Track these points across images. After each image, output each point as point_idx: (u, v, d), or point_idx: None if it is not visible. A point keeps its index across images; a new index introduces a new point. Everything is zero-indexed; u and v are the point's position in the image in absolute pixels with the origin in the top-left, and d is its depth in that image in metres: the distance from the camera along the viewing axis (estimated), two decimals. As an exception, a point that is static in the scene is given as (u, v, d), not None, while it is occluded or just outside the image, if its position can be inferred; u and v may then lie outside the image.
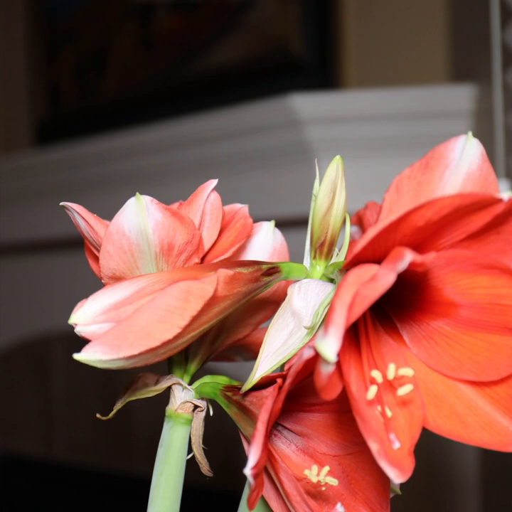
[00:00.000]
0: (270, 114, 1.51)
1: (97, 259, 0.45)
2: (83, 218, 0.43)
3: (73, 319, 0.38)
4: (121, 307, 0.38)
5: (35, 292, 2.07)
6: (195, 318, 0.36)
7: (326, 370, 0.33)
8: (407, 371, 0.37)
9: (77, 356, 0.36)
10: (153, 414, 1.85)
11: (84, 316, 0.38)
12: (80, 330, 0.38)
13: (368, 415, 0.35)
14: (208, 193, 0.43)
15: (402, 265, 0.34)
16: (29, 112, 2.33)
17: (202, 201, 0.42)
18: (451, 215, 0.34)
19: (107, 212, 0.44)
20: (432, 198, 0.34)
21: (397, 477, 0.34)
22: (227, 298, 0.39)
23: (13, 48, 2.37)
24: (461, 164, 0.37)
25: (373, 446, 0.34)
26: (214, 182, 0.43)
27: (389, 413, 0.36)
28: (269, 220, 0.50)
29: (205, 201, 0.42)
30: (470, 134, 0.37)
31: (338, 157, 0.43)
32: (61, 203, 0.44)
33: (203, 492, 1.40)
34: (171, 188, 1.69)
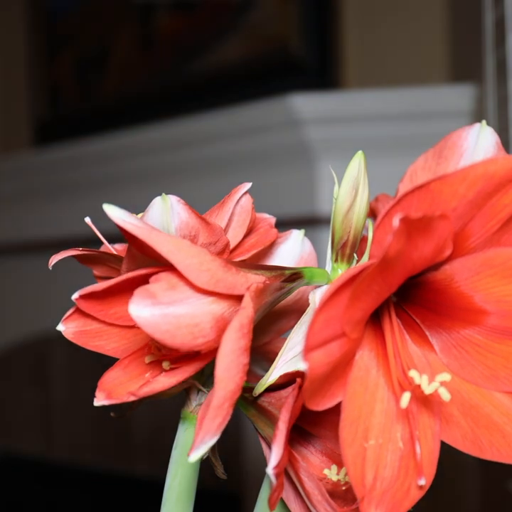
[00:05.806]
0: (270, 114, 1.51)
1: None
2: (78, 255, 0.43)
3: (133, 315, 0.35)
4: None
5: (36, 292, 2.07)
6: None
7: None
8: (444, 376, 0.35)
9: (191, 459, 0.35)
10: (154, 414, 1.85)
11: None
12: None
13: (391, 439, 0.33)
14: (239, 195, 0.43)
15: (395, 223, 0.31)
16: (29, 112, 2.32)
17: (232, 203, 0.42)
18: (485, 190, 0.31)
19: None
20: (461, 167, 0.31)
21: None
22: (258, 310, 0.38)
23: (13, 48, 2.36)
24: (477, 153, 0.35)
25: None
26: (247, 185, 0.43)
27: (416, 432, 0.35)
28: None
29: (236, 203, 0.42)
30: (484, 122, 0.36)
31: (360, 152, 0.40)
32: (50, 266, 0.43)
33: (203, 492, 1.40)
34: (171, 188, 1.68)
